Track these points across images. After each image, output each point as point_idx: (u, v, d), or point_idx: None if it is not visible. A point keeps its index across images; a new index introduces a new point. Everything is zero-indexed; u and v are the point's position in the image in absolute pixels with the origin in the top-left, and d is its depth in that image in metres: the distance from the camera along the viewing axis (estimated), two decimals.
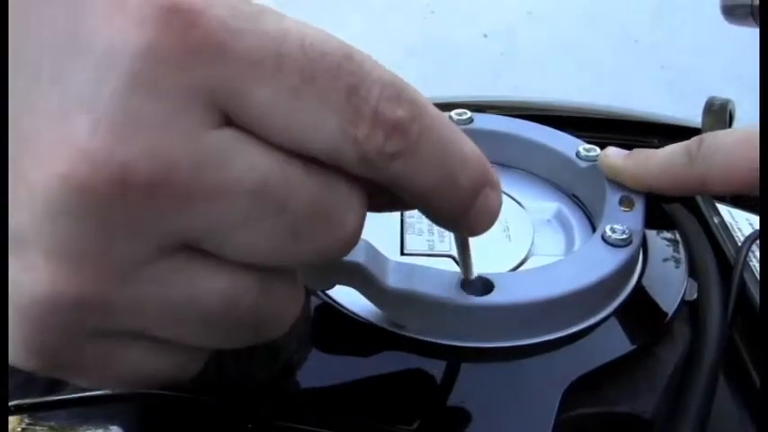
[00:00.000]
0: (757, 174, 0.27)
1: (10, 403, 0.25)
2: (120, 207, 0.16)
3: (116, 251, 0.17)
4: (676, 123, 0.50)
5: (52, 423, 0.26)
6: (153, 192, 0.16)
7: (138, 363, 0.19)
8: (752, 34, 0.40)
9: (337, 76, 0.17)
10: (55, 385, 0.26)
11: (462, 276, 0.27)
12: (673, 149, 0.30)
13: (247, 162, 0.17)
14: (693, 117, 0.44)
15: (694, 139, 0.29)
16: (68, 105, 0.16)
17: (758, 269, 0.33)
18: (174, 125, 0.16)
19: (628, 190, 0.32)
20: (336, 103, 0.17)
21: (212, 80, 0.16)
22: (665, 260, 0.33)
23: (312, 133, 0.17)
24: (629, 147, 0.33)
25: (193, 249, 0.18)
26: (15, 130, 0.16)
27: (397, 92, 0.18)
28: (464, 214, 0.21)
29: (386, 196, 0.20)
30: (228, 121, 0.17)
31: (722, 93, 0.43)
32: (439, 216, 0.21)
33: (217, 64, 0.16)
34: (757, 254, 0.34)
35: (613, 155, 0.33)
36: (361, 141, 0.17)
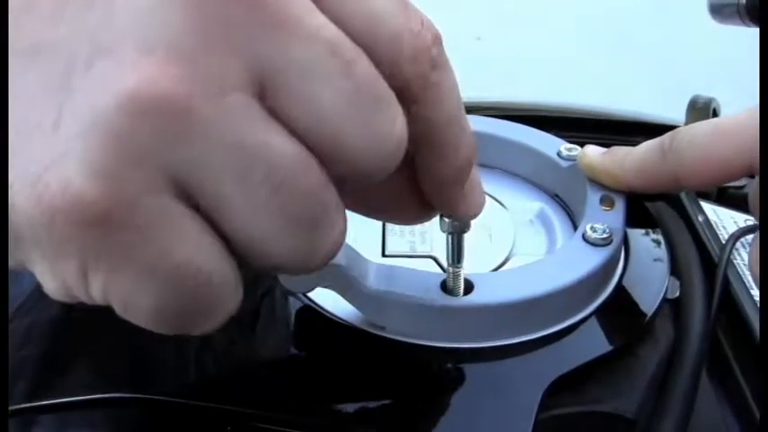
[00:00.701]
0: (728, 166, 0.27)
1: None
2: (226, 7, 0.16)
3: (214, 60, 0.17)
4: (662, 122, 0.50)
5: None
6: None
7: (183, 242, 0.17)
8: (744, 34, 0.40)
9: None
10: (38, 391, 0.26)
11: (446, 278, 0.27)
12: (647, 147, 0.30)
13: (328, 23, 0.18)
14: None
15: (667, 134, 0.29)
16: None
17: (742, 267, 0.33)
18: None
19: (608, 189, 0.32)
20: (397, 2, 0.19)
21: None
22: (647, 259, 0.33)
23: (379, 19, 0.19)
24: (612, 146, 0.33)
25: (268, 108, 0.18)
26: None
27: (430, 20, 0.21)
28: (466, 174, 0.23)
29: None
30: None
31: (714, 92, 0.43)
32: (445, 168, 0.22)
33: None
34: (742, 252, 0.34)
35: (591, 153, 0.32)
36: (415, 35, 0.19)
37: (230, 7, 0.17)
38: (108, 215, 0.16)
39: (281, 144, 0.18)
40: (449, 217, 0.26)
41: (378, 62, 0.19)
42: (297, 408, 0.26)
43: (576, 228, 0.34)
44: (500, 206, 0.35)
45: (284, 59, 0.17)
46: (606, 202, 0.32)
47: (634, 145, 0.32)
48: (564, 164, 0.35)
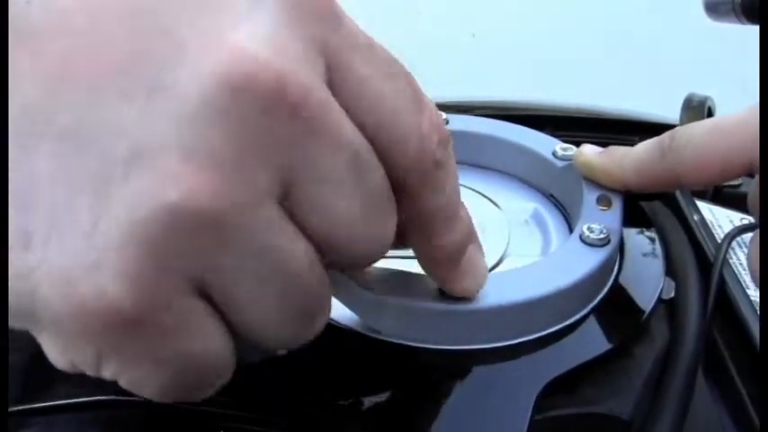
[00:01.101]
0: (728, 164, 0.27)
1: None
2: (266, 119, 0.17)
3: (252, 172, 0.17)
4: (658, 121, 0.50)
5: None
6: (295, 112, 0.17)
7: (203, 340, 0.19)
8: (740, 32, 0.40)
9: (409, 79, 0.21)
10: (28, 394, 0.26)
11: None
12: (646, 146, 0.30)
13: (352, 131, 0.19)
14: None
15: (666, 133, 0.29)
16: (226, 17, 0.17)
17: (738, 266, 0.33)
18: (308, 61, 0.18)
19: (605, 189, 0.32)
20: (410, 98, 0.20)
21: (327, 43, 0.19)
22: (642, 259, 0.33)
23: (394, 114, 0.20)
24: (608, 145, 0.33)
25: (289, 212, 0.18)
26: (162, 38, 0.17)
27: (438, 112, 0.22)
28: (458, 256, 0.24)
29: None
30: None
31: (709, 91, 0.43)
32: (436, 250, 0.24)
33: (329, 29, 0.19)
34: (738, 251, 0.34)
35: (588, 152, 0.32)
36: (424, 135, 0.20)
37: (272, 117, 0.17)
38: (137, 320, 0.17)
39: (297, 249, 0.19)
40: None
41: (381, 151, 0.20)
42: (292, 411, 0.25)
43: (570, 228, 0.34)
44: (494, 206, 0.35)
45: (312, 167, 0.18)
46: (603, 201, 0.31)
47: (630, 144, 0.32)
48: (559, 164, 0.35)
